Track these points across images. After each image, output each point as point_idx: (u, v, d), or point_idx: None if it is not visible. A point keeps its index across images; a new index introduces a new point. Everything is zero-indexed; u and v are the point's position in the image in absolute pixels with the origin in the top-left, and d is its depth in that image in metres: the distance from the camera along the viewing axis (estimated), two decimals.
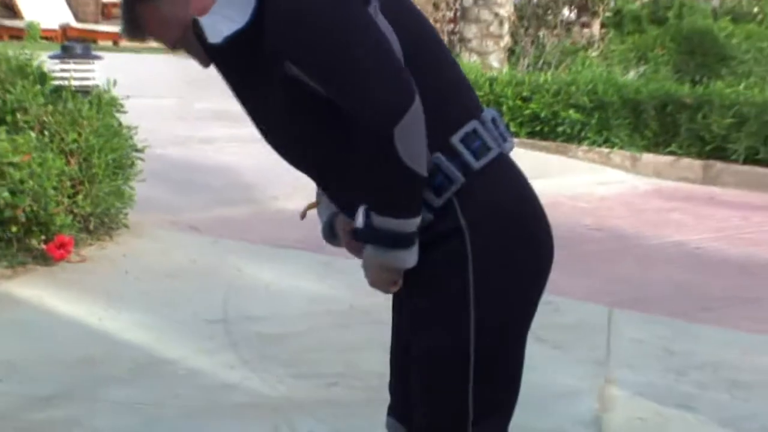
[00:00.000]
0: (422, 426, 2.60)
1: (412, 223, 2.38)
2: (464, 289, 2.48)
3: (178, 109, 11.64)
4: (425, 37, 2.55)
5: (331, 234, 2.66)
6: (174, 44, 2.57)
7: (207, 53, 2.49)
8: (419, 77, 2.39)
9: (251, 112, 2.59)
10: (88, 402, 4.46)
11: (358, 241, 2.47)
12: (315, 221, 2.67)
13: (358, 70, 2.30)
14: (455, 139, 2.45)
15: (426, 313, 2.54)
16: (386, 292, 2.56)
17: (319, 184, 2.62)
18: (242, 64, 2.46)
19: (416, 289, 2.55)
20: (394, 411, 2.78)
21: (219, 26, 2.39)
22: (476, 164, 2.46)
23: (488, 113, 2.53)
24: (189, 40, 2.51)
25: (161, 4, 2.48)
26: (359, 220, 2.42)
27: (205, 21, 2.41)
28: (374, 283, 2.52)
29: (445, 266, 2.48)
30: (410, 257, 2.43)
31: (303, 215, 2.66)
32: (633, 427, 4.49)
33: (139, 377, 4.77)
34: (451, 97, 2.52)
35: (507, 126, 2.61)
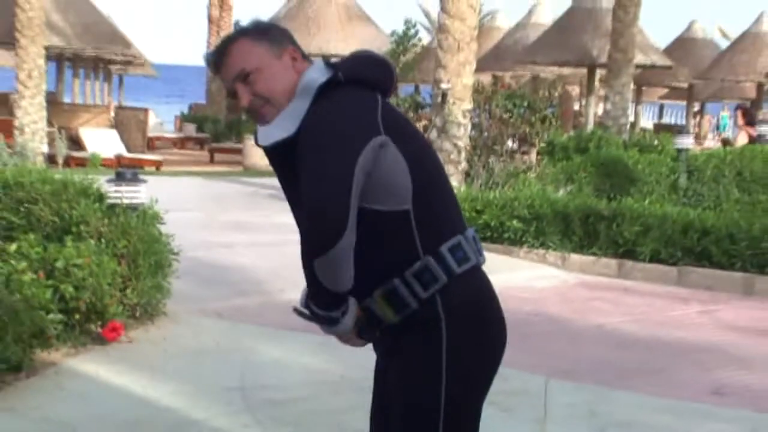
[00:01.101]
0: None
1: (335, 313, 2.47)
2: (438, 366, 2.51)
3: (205, 221, 11.66)
4: (430, 166, 2.60)
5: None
6: (244, 72, 2.56)
7: (264, 151, 2.57)
8: (426, 197, 2.50)
9: (285, 192, 2.64)
10: None
11: (297, 315, 2.56)
12: None
13: (314, 202, 2.36)
14: (444, 248, 2.51)
15: (405, 383, 2.56)
16: (353, 344, 2.65)
17: None
18: (284, 159, 2.52)
19: (399, 364, 2.58)
20: None
21: (273, 133, 2.50)
22: (458, 270, 2.52)
23: (470, 232, 2.60)
24: (254, 80, 2.56)
25: (262, 45, 2.57)
26: (299, 300, 2.54)
27: (262, 130, 2.54)
28: (343, 342, 2.62)
29: (424, 347, 2.52)
30: (342, 328, 2.51)
31: None
32: None
33: None
34: (445, 214, 2.58)
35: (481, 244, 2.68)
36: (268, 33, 2.61)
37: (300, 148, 2.44)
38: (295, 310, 2.54)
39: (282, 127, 2.48)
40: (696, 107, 33.03)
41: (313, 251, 2.36)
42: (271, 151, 2.52)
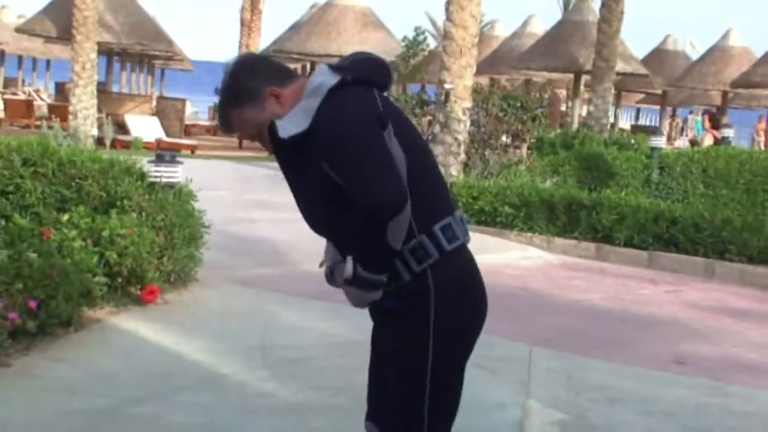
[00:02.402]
0: (393, 429, 2.62)
1: (384, 277, 2.46)
2: (426, 330, 2.52)
3: (233, 199, 11.66)
4: (423, 155, 2.61)
5: (331, 277, 2.70)
6: (251, 136, 2.64)
7: (273, 144, 2.54)
8: (420, 182, 2.48)
9: (292, 187, 2.63)
10: (167, 403, 4.46)
11: (348, 285, 2.52)
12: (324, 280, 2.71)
13: (368, 177, 2.37)
14: (436, 228, 2.52)
15: (398, 345, 2.58)
16: (363, 307, 2.61)
17: (330, 241, 2.67)
18: (296, 154, 2.51)
19: (393, 328, 2.59)
20: (369, 416, 2.78)
21: (288, 127, 2.47)
22: (448, 247, 2.53)
23: (458, 213, 2.61)
24: (261, 134, 2.57)
25: (245, 110, 2.57)
26: (348, 271, 2.49)
27: (279, 123, 2.50)
28: (357, 305, 2.59)
29: (415, 314, 2.53)
30: (379, 294, 2.50)
31: (321, 265, 2.73)
32: (544, 429, 4.49)
33: (202, 386, 4.77)
34: (437, 197, 2.59)
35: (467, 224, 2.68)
36: (245, 93, 2.56)
37: (326, 142, 2.42)
38: (346, 279, 2.52)
39: (296, 123, 2.47)
40: (674, 112, 32.97)
41: (389, 217, 2.35)
42: (283, 144, 2.51)
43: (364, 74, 2.54)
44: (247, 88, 2.56)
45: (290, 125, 2.47)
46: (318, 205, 2.56)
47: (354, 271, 2.46)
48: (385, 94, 2.62)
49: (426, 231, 2.50)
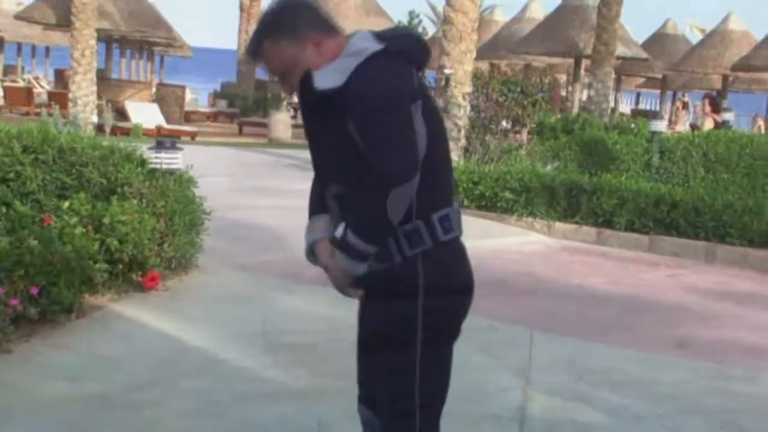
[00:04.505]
0: (385, 412, 2.62)
1: (373, 248, 2.45)
2: (415, 314, 2.53)
3: (234, 185, 11.64)
4: (441, 142, 2.61)
5: (312, 256, 2.69)
6: (274, 73, 2.62)
7: (303, 93, 2.54)
8: (432, 168, 2.48)
9: (309, 136, 2.63)
10: (168, 389, 4.46)
11: (334, 245, 2.51)
12: None
13: (384, 142, 2.39)
14: (435, 217, 2.52)
15: (387, 330, 2.57)
16: (345, 293, 2.59)
17: (331, 201, 2.63)
18: (321, 107, 2.51)
19: (379, 310, 2.58)
20: (362, 398, 2.76)
21: (324, 80, 2.48)
22: (442, 238, 2.54)
23: (456, 205, 2.62)
24: (287, 74, 2.58)
25: (281, 43, 2.55)
26: (339, 231, 2.49)
27: (316, 73, 2.50)
28: (335, 283, 2.58)
29: (403, 297, 2.54)
30: (362, 268, 2.49)
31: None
32: (546, 414, 4.48)
33: (204, 372, 4.76)
34: (443, 186, 2.59)
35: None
36: (286, 27, 2.55)
37: (356, 104, 2.43)
38: (334, 239, 2.51)
39: (331, 79, 2.48)
40: (683, 96, 32.91)
41: (393, 185, 2.35)
42: (314, 95, 2.49)
43: (405, 48, 2.56)
44: (290, 24, 2.56)
45: (325, 79, 2.48)
46: (332, 159, 2.57)
47: (344, 234, 2.46)
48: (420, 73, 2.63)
49: (424, 218, 2.51)
